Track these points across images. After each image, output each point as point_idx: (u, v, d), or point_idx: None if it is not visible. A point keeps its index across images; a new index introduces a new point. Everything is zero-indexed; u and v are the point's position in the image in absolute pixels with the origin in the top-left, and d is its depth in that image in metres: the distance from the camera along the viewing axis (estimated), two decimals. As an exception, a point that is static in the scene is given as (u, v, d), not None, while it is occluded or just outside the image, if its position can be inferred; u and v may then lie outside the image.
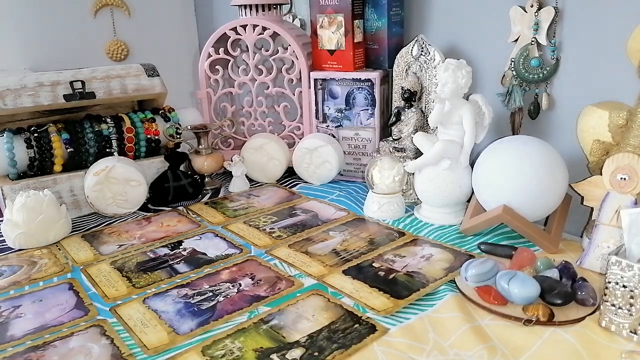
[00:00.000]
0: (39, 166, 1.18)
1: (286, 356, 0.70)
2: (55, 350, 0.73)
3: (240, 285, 0.89)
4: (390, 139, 1.25)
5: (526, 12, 1.10)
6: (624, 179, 0.85)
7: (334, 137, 1.38)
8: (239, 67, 1.45)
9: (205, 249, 1.02)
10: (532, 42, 1.11)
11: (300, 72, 1.39)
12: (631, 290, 0.70)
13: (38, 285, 0.91)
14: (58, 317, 0.81)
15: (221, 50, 1.43)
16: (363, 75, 1.32)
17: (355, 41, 1.31)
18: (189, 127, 1.34)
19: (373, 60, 1.36)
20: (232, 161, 1.35)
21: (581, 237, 0.99)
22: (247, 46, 1.42)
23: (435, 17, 1.31)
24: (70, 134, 1.21)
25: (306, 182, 1.38)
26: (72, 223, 1.14)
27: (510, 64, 1.15)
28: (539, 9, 1.08)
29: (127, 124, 1.27)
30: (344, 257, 0.97)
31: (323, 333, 0.75)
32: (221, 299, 0.84)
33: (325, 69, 1.36)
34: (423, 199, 1.13)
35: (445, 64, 1.06)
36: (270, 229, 1.11)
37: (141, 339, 0.75)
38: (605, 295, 0.72)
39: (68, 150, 1.20)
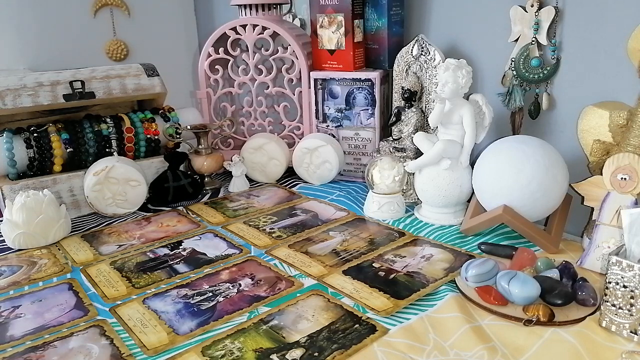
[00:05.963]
0: (38, 166, 1.18)
1: (286, 356, 0.70)
2: (55, 350, 0.73)
3: (240, 285, 0.88)
4: (391, 139, 1.25)
5: (526, 11, 1.10)
6: (625, 179, 0.85)
7: (334, 137, 1.38)
8: (238, 67, 1.45)
9: (205, 249, 1.02)
10: (533, 42, 1.11)
11: (300, 72, 1.39)
12: (632, 291, 0.70)
13: (38, 286, 0.91)
14: (58, 317, 0.81)
15: (221, 50, 1.43)
16: (363, 75, 1.32)
17: (355, 41, 1.31)
18: (189, 127, 1.34)
19: (373, 60, 1.36)
20: (232, 161, 1.35)
21: (581, 237, 0.99)
22: (247, 46, 1.42)
23: (435, 17, 1.31)
24: (69, 133, 1.21)
25: (306, 182, 1.38)
26: (72, 223, 1.14)
27: (511, 64, 1.15)
28: (540, 8, 1.08)
29: (126, 123, 1.27)
30: (344, 258, 0.97)
31: (323, 333, 0.74)
32: (221, 299, 0.84)
33: (325, 68, 1.36)
34: (423, 199, 1.13)
35: (445, 64, 1.06)
36: (270, 229, 1.11)
37: (141, 339, 0.75)
38: (605, 295, 0.72)
39: (68, 150, 1.20)
